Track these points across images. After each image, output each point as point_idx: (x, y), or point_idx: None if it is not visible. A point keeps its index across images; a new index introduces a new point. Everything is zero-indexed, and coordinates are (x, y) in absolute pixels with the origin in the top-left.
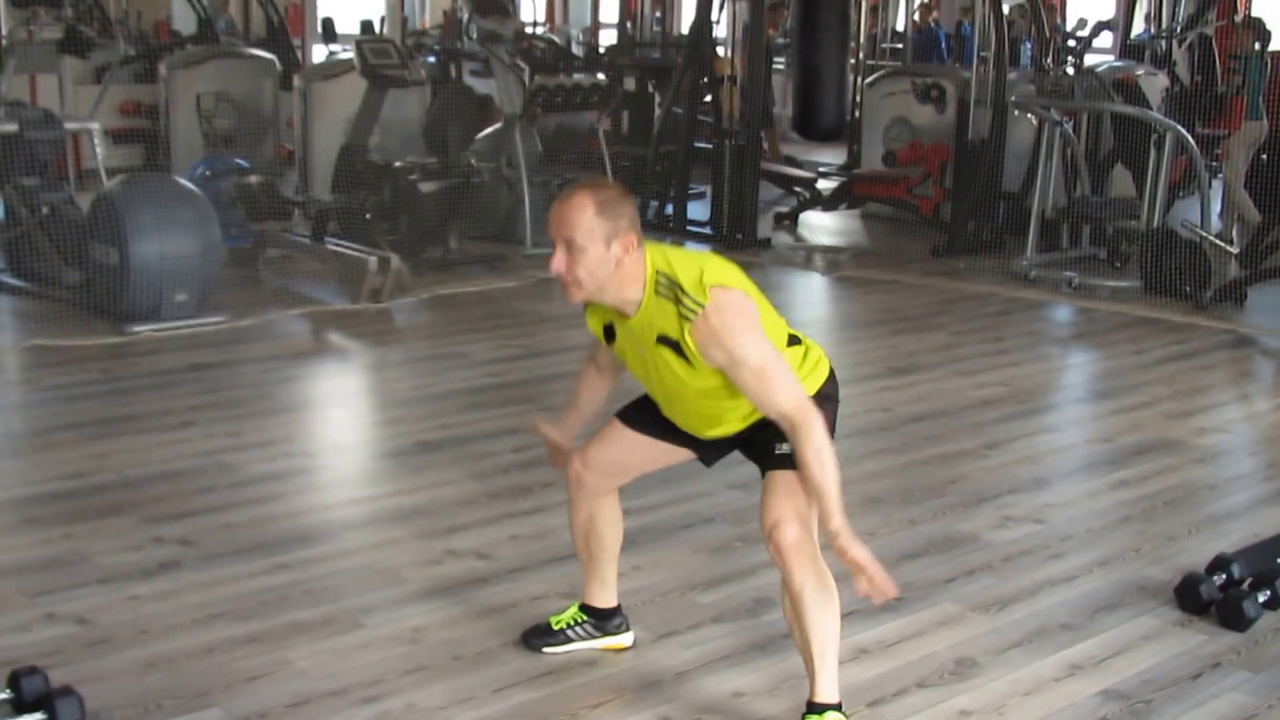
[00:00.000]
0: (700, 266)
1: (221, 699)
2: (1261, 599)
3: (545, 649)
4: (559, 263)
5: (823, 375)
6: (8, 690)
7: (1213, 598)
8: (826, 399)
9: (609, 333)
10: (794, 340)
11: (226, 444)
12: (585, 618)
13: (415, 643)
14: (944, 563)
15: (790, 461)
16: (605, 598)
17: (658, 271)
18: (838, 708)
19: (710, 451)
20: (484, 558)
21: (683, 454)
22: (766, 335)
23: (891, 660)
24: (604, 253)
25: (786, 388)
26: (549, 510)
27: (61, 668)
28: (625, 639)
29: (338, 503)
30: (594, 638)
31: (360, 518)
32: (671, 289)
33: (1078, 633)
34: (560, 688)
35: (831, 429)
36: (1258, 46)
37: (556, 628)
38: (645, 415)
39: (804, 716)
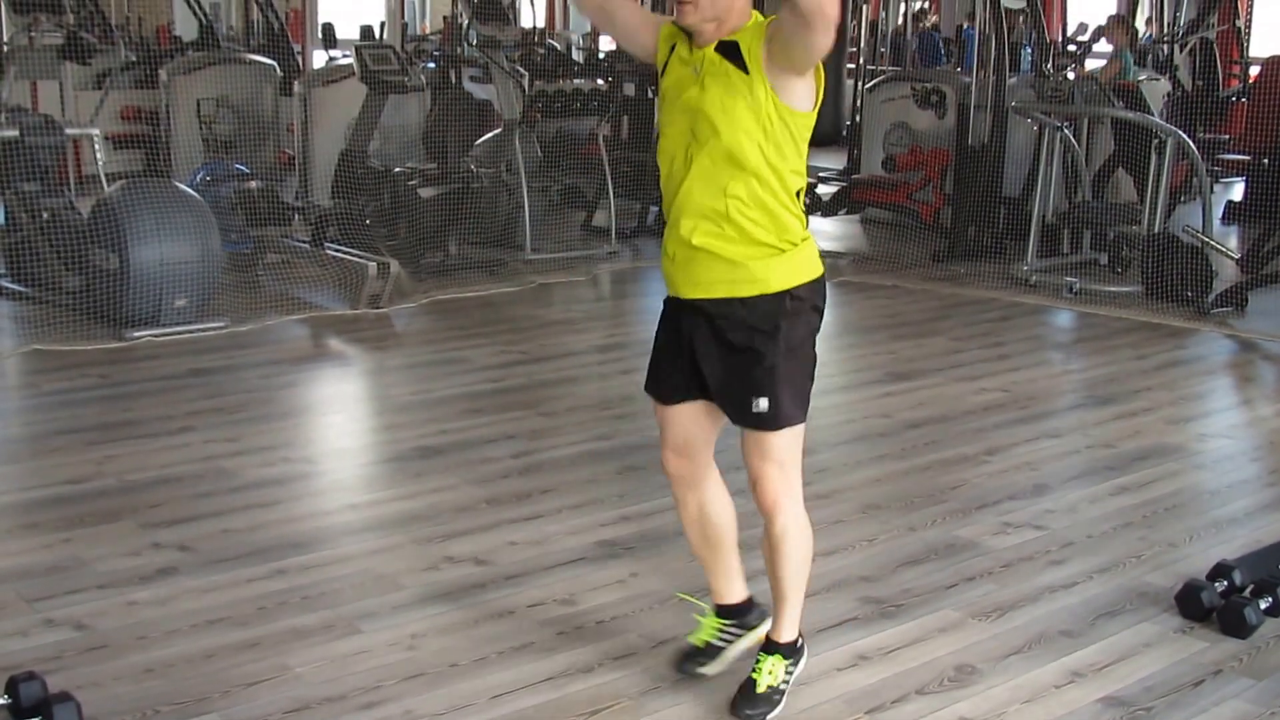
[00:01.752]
0: None
1: (220, 704)
2: (1263, 606)
3: (702, 670)
4: None
5: (817, 268)
6: (6, 696)
7: (1214, 604)
8: (815, 311)
9: (664, 69)
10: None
11: (225, 449)
12: (725, 621)
13: (413, 649)
14: (944, 569)
15: (765, 421)
16: (737, 591)
17: (759, 23)
18: (791, 646)
19: (714, 374)
20: (482, 564)
21: (709, 403)
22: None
23: (891, 667)
24: None
25: None
26: (548, 516)
27: (60, 673)
28: (767, 627)
29: (336, 508)
30: (740, 637)
31: (359, 523)
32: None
33: (1078, 639)
34: (558, 694)
35: (814, 338)
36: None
37: (703, 645)
38: (662, 374)
39: (760, 651)
